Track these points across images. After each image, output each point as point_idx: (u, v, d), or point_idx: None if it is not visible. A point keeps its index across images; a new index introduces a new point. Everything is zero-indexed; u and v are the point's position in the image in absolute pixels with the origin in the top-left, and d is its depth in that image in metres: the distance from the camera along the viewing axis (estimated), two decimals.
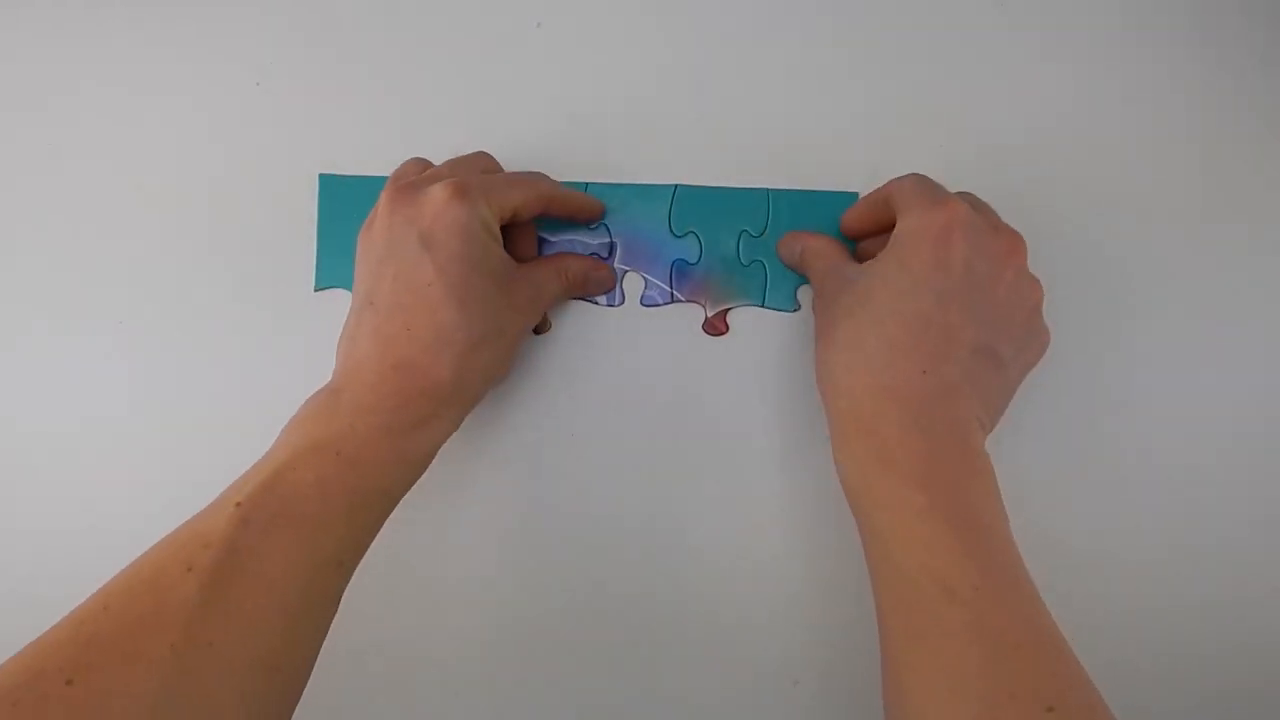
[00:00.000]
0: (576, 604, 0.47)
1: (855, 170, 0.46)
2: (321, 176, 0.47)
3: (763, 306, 0.47)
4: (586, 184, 0.47)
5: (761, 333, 0.47)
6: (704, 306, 0.47)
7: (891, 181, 0.41)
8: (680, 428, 0.47)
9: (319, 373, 0.39)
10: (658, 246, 0.47)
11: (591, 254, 0.47)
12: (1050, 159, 0.47)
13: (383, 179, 0.46)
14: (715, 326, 0.47)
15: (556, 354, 0.47)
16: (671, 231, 0.47)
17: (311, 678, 0.35)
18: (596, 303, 0.47)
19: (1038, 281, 0.39)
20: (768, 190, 0.46)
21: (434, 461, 0.39)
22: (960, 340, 0.36)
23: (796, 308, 0.47)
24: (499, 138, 0.47)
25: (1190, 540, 0.47)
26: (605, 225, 0.47)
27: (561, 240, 0.47)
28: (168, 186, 0.47)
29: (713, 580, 0.47)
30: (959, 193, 0.40)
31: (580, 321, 0.47)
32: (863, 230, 0.43)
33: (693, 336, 0.47)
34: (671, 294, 0.47)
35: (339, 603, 0.36)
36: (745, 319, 0.47)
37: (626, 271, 0.47)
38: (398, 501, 0.38)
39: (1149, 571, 0.47)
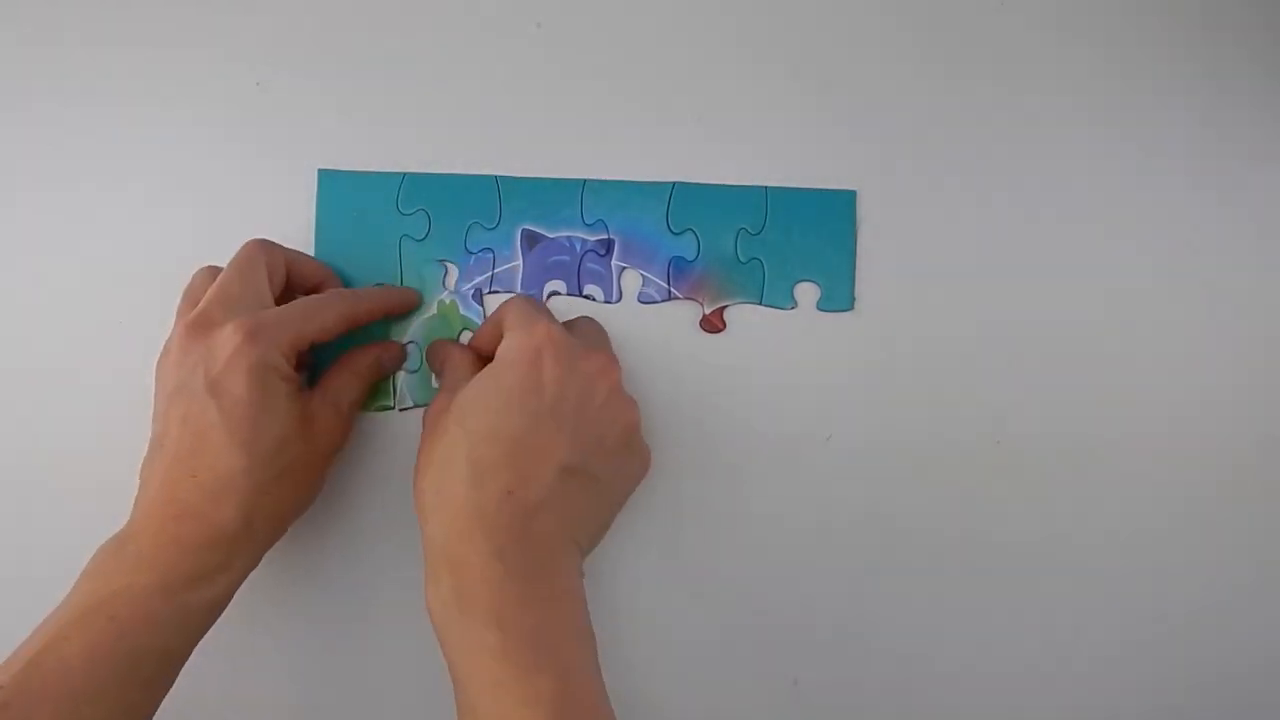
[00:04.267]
0: None
1: (853, 167, 0.46)
2: (320, 172, 0.47)
3: (760, 304, 0.46)
4: (584, 180, 0.47)
5: (759, 330, 0.46)
6: (701, 304, 0.47)
7: (503, 304, 0.43)
8: (677, 425, 0.46)
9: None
10: (655, 244, 0.47)
11: (589, 249, 0.47)
12: (1048, 157, 0.47)
13: (382, 175, 0.47)
14: (712, 324, 0.47)
15: None
16: (669, 229, 0.47)
17: None
18: (594, 299, 0.47)
19: (633, 402, 0.40)
20: (765, 188, 0.46)
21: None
22: (550, 460, 0.36)
23: (794, 305, 0.46)
24: (498, 137, 0.47)
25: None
26: (603, 222, 0.47)
27: (559, 237, 0.47)
28: (167, 184, 0.47)
29: (712, 577, 0.47)
30: (581, 317, 0.45)
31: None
32: (488, 351, 0.42)
33: (690, 334, 0.47)
34: (669, 291, 0.47)
35: None
36: (743, 316, 0.47)
37: (625, 269, 0.47)
38: (186, 655, 0.37)
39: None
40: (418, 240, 0.47)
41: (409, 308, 0.46)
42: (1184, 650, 0.47)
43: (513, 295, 0.44)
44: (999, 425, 0.47)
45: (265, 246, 0.42)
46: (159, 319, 0.47)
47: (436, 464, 0.37)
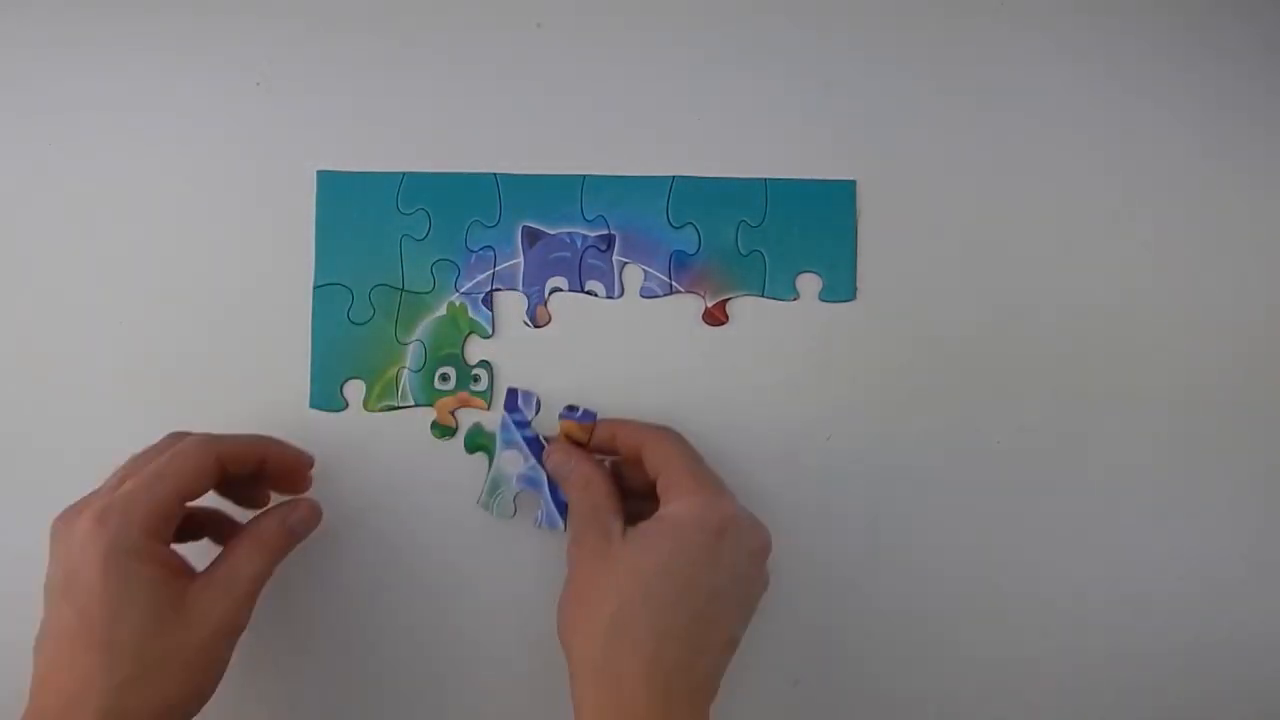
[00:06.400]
0: None
1: (852, 157, 0.47)
2: (319, 173, 0.47)
3: (762, 296, 0.46)
4: (584, 176, 0.47)
5: (761, 322, 0.46)
6: (703, 297, 0.46)
7: (649, 435, 0.42)
8: (681, 419, 0.46)
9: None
10: (656, 238, 0.47)
11: (589, 245, 0.47)
12: (1048, 151, 0.47)
13: (382, 175, 0.47)
14: (715, 317, 0.46)
15: (556, 347, 0.47)
16: (670, 223, 0.47)
17: None
18: (596, 295, 0.47)
19: (768, 574, 0.41)
20: (765, 179, 0.46)
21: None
22: (721, 635, 0.38)
23: (796, 296, 0.46)
24: (498, 137, 0.47)
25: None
26: (603, 217, 0.47)
27: (560, 233, 0.47)
28: (167, 185, 0.47)
29: None
30: (667, 435, 0.43)
31: (580, 314, 0.47)
32: (608, 450, 0.44)
33: (693, 327, 0.46)
34: (671, 285, 0.46)
35: None
36: (745, 309, 0.46)
37: (626, 264, 0.47)
38: None
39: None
40: (418, 240, 0.47)
41: (295, 469, 0.42)
42: (1174, 661, 0.47)
43: (664, 431, 0.43)
44: (1002, 416, 0.46)
45: (197, 446, 0.38)
46: (159, 320, 0.47)
47: (609, 623, 0.37)
